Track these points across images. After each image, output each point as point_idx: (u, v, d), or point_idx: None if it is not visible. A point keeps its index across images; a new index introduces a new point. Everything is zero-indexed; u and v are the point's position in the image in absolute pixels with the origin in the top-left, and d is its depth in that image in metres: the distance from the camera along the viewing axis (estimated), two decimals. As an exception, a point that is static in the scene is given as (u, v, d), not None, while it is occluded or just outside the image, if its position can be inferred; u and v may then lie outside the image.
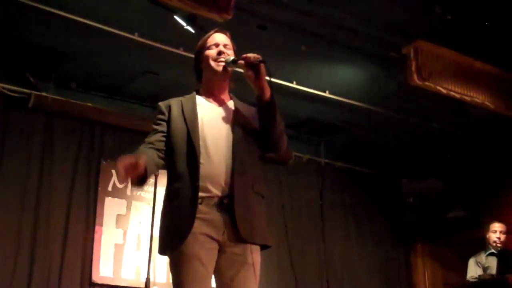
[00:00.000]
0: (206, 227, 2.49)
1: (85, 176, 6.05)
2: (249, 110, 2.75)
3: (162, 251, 2.62)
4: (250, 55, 2.56)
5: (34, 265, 5.51)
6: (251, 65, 2.54)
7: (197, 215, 2.48)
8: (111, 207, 6.11)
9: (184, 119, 2.63)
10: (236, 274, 2.54)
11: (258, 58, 2.55)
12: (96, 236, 5.92)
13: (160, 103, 2.74)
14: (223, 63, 2.67)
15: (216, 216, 2.52)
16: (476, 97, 5.51)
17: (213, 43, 2.72)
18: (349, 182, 7.93)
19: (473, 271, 5.80)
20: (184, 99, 2.73)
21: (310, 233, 7.29)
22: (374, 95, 6.17)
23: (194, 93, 2.77)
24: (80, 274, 5.75)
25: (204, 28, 4.82)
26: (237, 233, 2.51)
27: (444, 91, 5.32)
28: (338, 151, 7.69)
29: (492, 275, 5.51)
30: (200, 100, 2.72)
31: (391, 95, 6.13)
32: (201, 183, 2.50)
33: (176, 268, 2.50)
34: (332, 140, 7.35)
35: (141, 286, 5.34)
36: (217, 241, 2.51)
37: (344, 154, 7.71)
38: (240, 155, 2.59)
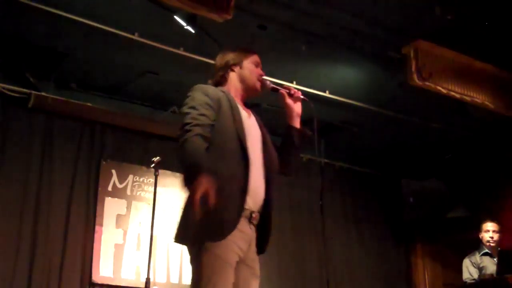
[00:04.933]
0: (240, 240, 2.56)
1: (85, 176, 6.05)
2: (266, 131, 2.87)
3: (194, 239, 2.54)
4: (292, 88, 2.89)
5: (34, 265, 5.50)
6: (293, 97, 2.88)
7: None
8: (111, 207, 6.11)
9: (234, 119, 2.66)
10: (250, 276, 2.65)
11: (300, 94, 2.90)
12: (96, 236, 5.91)
13: (207, 87, 2.70)
14: (260, 84, 2.88)
15: (250, 230, 2.61)
16: (476, 97, 5.52)
17: (256, 61, 2.90)
18: (349, 182, 7.93)
19: (469, 271, 5.79)
20: (223, 94, 2.72)
21: (310, 233, 7.29)
22: (374, 95, 6.17)
23: (225, 91, 2.77)
24: (80, 274, 5.75)
25: (204, 28, 4.86)
26: (259, 248, 2.66)
27: (444, 91, 5.32)
28: (338, 151, 7.69)
29: (492, 275, 5.50)
30: (237, 102, 2.78)
31: (391, 95, 6.13)
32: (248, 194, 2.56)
33: (210, 269, 2.49)
34: (332, 140, 7.34)
35: (141, 286, 5.34)
36: (241, 255, 2.59)
37: (344, 154, 7.71)
38: (271, 172, 2.72)
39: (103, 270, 5.87)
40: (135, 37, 5.03)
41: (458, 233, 7.45)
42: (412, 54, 5.14)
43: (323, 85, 6.00)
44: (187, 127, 2.50)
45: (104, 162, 6.18)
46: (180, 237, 2.59)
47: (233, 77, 2.85)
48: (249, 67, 2.86)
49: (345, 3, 4.77)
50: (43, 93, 5.77)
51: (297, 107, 2.92)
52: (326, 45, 5.33)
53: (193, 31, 4.82)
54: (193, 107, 2.58)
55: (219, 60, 2.91)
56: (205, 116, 2.56)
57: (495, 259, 5.63)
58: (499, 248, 5.67)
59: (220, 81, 2.85)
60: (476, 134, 6.98)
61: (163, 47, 5.17)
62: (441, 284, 8.02)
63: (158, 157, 5.17)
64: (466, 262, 5.85)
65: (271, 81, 2.96)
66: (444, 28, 5.05)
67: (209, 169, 2.39)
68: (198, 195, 2.30)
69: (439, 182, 7.46)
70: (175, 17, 4.73)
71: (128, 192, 6.27)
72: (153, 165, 5.17)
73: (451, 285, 7.52)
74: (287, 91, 2.92)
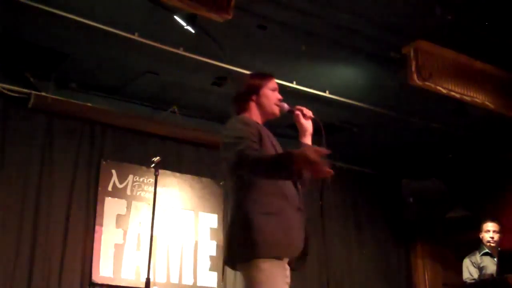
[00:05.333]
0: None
1: (85, 176, 6.06)
2: None
3: (272, 254, 2.66)
4: (304, 108, 3.07)
5: (34, 265, 5.51)
6: (306, 117, 3.06)
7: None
8: (111, 207, 6.11)
9: (274, 148, 2.88)
10: None
11: (311, 113, 3.08)
12: (96, 236, 5.92)
13: (248, 120, 2.86)
14: (278, 108, 3.04)
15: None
16: (476, 97, 5.51)
17: (273, 86, 3.05)
18: (349, 182, 7.93)
19: (469, 271, 5.79)
20: (255, 123, 2.90)
21: (310, 231, 7.28)
22: (374, 95, 6.17)
23: (255, 119, 2.96)
24: (80, 274, 5.76)
25: (205, 28, 4.86)
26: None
27: (444, 91, 5.32)
28: (338, 151, 7.68)
29: (492, 275, 5.50)
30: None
31: (391, 95, 6.13)
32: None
33: (271, 281, 2.63)
34: (332, 140, 7.33)
35: (141, 286, 5.34)
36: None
37: (344, 154, 7.70)
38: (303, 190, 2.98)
39: (103, 270, 5.87)
40: (135, 37, 5.03)
41: (458, 233, 7.45)
42: (412, 54, 5.14)
43: (323, 85, 6.00)
44: (244, 152, 2.64)
45: (104, 162, 6.18)
46: (241, 255, 2.68)
47: (252, 105, 3.00)
48: (267, 94, 3.02)
49: (345, 3, 4.77)
50: (43, 93, 5.77)
51: (309, 126, 3.10)
52: (326, 45, 5.33)
53: (193, 31, 4.82)
54: (240, 137, 2.71)
55: (239, 88, 3.09)
56: (254, 143, 2.72)
57: (495, 259, 5.62)
58: (499, 248, 5.66)
59: (241, 110, 3.00)
60: (476, 134, 6.98)
61: (163, 47, 5.16)
62: (441, 284, 8.01)
63: (158, 157, 5.17)
64: (466, 262, 5.84)
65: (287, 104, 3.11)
66: (444, 28, 5.05)
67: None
68: (313, 157, 2.47)
69: (439, 182, 7.46)
70: (175, 17, 4.73)
71: (128, 192, 6.27)
72: (153, 165, 5.16)
73: (451, 285, 7.51)
74: (301, 111, 3.08)
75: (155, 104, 6.53)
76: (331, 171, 2.55)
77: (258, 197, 2.72)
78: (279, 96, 3.05)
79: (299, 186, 2.91)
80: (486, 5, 4.77)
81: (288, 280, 2.81)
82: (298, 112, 3.07)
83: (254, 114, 2.98)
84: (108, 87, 6.19)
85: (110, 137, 6.29)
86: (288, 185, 2.81)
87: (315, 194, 7.79)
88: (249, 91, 3.01)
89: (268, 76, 3.09)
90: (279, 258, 2.66)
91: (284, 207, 2.74)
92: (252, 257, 2.62)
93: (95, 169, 6.13)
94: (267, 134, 2.89)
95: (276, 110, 3.03)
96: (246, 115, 2.96)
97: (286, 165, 2.55)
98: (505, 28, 5.06)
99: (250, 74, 3.18)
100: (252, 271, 2.62)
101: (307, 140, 3.11)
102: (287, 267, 2.80)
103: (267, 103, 3.01)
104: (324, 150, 2.53)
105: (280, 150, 2.90)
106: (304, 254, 2.86)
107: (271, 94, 3.03)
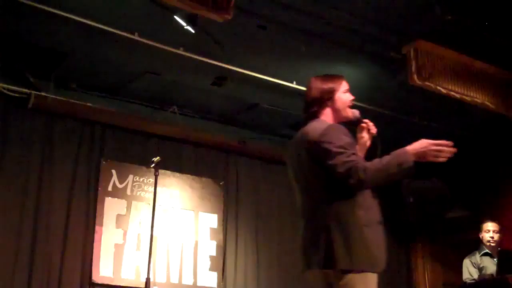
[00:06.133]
0: None
1: (85, 176, 6.06)
2: None
3: (378, 266, 2.73)
4: (371, 124, 3.07)
5: (34, 265, 5.52)
6: (369, 132, 3.08)
7: None
8: (111, 207, 6.12)
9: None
10: None
11: (375, 131, 3.08)
12: (96, 236, 5.92)
13: (343, 129, 2.83)
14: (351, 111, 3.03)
15: None
16: (476, 97, 5.51)
17: (345, 88, 3.01)
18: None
19: (469, 271, 5.78)
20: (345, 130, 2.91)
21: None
22: (374, 95, 6.16)
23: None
24: (80, 274, 5.77)
25: (205, 28, 4.86)
26: None
27: (444, 91, 5.32)
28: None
29: (492, 275, 5.49)
30: None
31: (391, 95, 6.13)
32: None
33: None
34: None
35: (141, 286, 5.34)
36: None
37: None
38: None
39: (103, 270, 5.88)
40: (135, 37, 5.02)
41: (458, 233, 7.45)
42: (412, 54, 5.14)
43: (323, 85, 5.99)
44: (352, 165, 2.66)
45: (104, 162, 6.18)
46: (342, 262, 2.67)
47: (327, 110, 2.96)
48: (341, 97, 2.98)
49: (345, 3, 4.77)
50: (43, 93, 5.77)
51: (368, 142, 3.09)
52: (326, 45, 5.33)
53: (193, 31, 4.82)
54: (344, 147, 2.72)
55: (311, 93, 3.00)
56: (355, 155, 2.74)
57: (495, 259, 5.62)
58: (499, 248, 5.66)
59: (315, 115, 2.95)
60: (476, 134, 6.98)
61: (163, 47, 5.16)
62: (441, 284, 8.01)
63: (158, 157, 5.18)
64: (466, 262, 5.83)
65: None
66: (444, 28, 5.05)
67: None
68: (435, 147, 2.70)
69: (439, 182, 7.45)
70: (175, 17, 4.73)
71: (128, 192, 6.27)
72: (153, 165, 5.17)
73: (451, 285, 7.50)
74: (367, 125, 3.08)
75: (155, 104, 6.53)
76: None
77: (354, 209, 2.72)
78: (352, 97, 3.03)
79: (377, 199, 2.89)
80: (486, 5, 4.77)
81: None
82: (364, 125, 3.07)
83: (329, 119, 2.95)
84: (108, 87, 6.19)
85: (110, 137, 6.29)
86: (370, 198, 2.81)
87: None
88: (324, 96, 2.96)
89: (340, 78, 3.05)
90: (377, 271, 2.71)
91: (374, 220, 2.77)
92: (357, 270, 2.65)
93: (95, 169, 6.14)
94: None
95: (350, 113, 3.01)
96: (319, 119, 2.92)
97: (408, 165, 2.68)
98: (505, 28, 5.06)
99: (320, 77, 3.06)
100: (354, 283, 2.64)
101: (361, 153, 3.06)
102: None
103: (342, 107, 2.98)
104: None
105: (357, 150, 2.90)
106: None
107: (345, 97, 2.99)
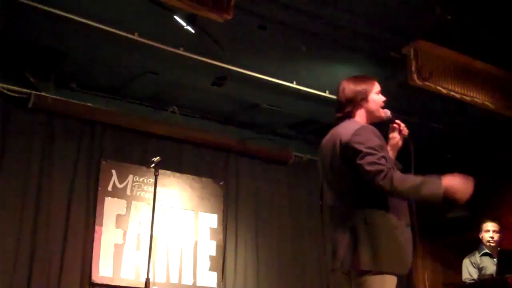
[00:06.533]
0: None
1: (85, 176, 6.06)
2: None
3: (402, 269, 2.79)
4: (403, 125, 3.15)
5: (34, 265, 5.51)
6: (400, 133, 3.15)
7: None
8: (111, 207, 6.11)
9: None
10: None
11: (407, 132, 3.15)
12: (96, 236, 5.92)
13: (375, 129, 2.91)
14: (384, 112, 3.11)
15: None
16: (476, 97, 5.51)
17: (378, 90, 3.09)
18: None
19: (468, 271, 5.77)
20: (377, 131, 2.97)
21: (310, 232, 7.29)
22: (374, 95, 6.16)
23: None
24: (80, 274, 5.76)
25: (205, 28, 4.86)
26: None
27: (444, 91, 5.31)
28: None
29: (491, 275, 5.48)
30: None
31: (391, 95, 6.06)
32: None
33: None
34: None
35: (140, 286, 5.35)
36: None
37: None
38: None
39: (102, 270, 5.87)
40: (135, 37, 5.03)
41: (458, 233, 7.44)
42: (412, 54, 5.13)
43: (323, 85, 5.99)
44: (381, 168, 2.70)
45: (104, 162, 6.18)
46: (364, 263, 2.73)
47: (361, 111, 3.04)
48: (374, 99, 3.06)
49: (345, 3, 4.77)
50: (43, 93, 5.78)
51: (399, 142, 3.16)
52: (326, 45, 5.33)
53: (193, 31, 4.82)
54: (375, 149, 2.77)
55: (345, 94, 3.06)
56: (385, 158, 2.78)
57: (495, 259, 5.61)
58: (499, 248, 5.65)
59: (348, 115, 3.03)
60: (476, 134, 6.97)
61: (163, 47, 5.16)
62: (441, 284, 8.01)
63: (158, 157, 5.17)
64: (466, 262, 5.82)
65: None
66: (444, 28, 5.05)
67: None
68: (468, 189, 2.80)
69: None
70: (175, 17, 4.73)
71: (128, 192, 6.27)
72: (153, 165, 5.16)
73: (451, 285, 7.51)
74: (399, 126, 3.16)
75: (155, 104, 6.53)
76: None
77: (384, 211, 2.78)
78: (384, 98, 3.10)
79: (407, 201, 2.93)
80: (486, 5, 4.76)
81: None
82: (395, 126, 3.16)
83: (361, 119, 3.03)
84: (108, 87, 6.19)
85: (110, 137, 6.29)
86: (400, 201, 2.85)
87: (315, 194, 7.80)
88: (357, 97, 3.03)
89: (372, 80, 3.12)
90: (398, 274, 2.75)
91: (402, 223, 2.82)
92: (376, 271, 2.70)
93: (95, 169, 6.13)
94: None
95: (383, 114, 3.09)
96: (352, 119, 3.00)
97: (436, 198, 2.71)
98: (505, 28, 5.06)
99: (352, 79, 3.13)
100: (370, 284, 2.70)
101: (392, 154, 3.13)
102: None
103: (375, 107, 3.06)
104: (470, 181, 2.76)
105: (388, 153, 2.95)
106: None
107: (377, 98, 3.07)
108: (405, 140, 3.17)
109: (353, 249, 2.74)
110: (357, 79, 3.12)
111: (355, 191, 2.82)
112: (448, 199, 2.74)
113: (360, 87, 3.05)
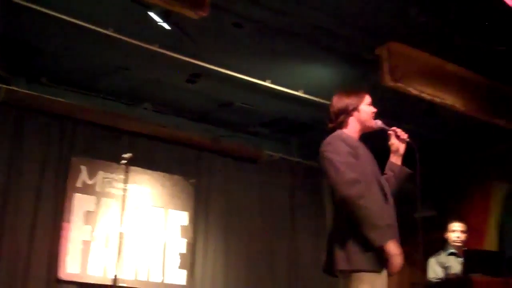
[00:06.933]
0: None
1: (54, 172, 5.99)
2: None
3: (375, 267, 2.85)
4: (399, 130, 3.26)
5: (0, 261, 5.42)
6: (399, 139, 3.27)
7: None
8: (79, 203, 6.05)
9: (370, 163, 3.08)
10: None
11: (406, 136, 3.26)
12: (63, 232, 5.85)
13: (346, 138, 3.07)
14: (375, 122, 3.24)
15: None
16: (446, 98, 5.58)
17: (369, 101, 3.25)
18: (321, 181, 7.95)
19: (434, 271, 5.84)
20: (352, 140, 3.12)
21: (280, 231, 7.32)
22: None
23: (352, 136, 3.16)
24: (47, 270, 5.70)
25: (179, 24, 4.83)
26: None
27: (415, 92, 5.37)
28: (310, 150, 7.72)
29: (456, 274, 5.56)
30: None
31: (364, 95, 6.16)
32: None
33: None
34: (304, 139, 7.38)
35: (108, 283, 5.31)
36: None
37: (316, 153, 7.73)
38: (393, 202, 3.12)
39: (70, 267, 5.81)
40: (110, 32, 4.98)
41: (424, 233, 7.53)
42: (385, 55, 5.18)
43: (297, 84, 6.02)
44: (347, 181, 2.85)
45: (73, 158, 6.10)
46: (354, 264, 2.86)
47: (352, 120, 3.21)
48: (365, 109, 3.22)
49: (320, 3, 4.79)
50: (14, 88, 5.69)
51: (401, 148, 3.30)
52: (301, 44, 5.35)
53: (168, 28, 4.79)
54: (342, 163, 2.93)
55: (337, 104, 3.24)
56: (350, 165, 2.92)
57: (460, 259, 5.69)
58: (465, 248, 5.74)
59: (340, 125, 3.20)
60: (444, 135, 7.08)
61: (138, 43, 5.12)
62: (408, 283, 8.10)
63: (129, 154, 5.13)
64: (431, 261, 5.88)
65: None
66: (417, 30, 5.10)
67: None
68: (399, 262, 2.80)
69: (409, 183, 7.54)
70: (149, 13, 4.69)
71: (98, 189, 6.21)
72: (124, 161, 5.12)
73: (419, 284, 7.60)
74: (395, 132, 3.28)
75: (128, 100, 6.48)
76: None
77: None
78: (374, 109, 3.25)
79: (391, 201, 3.08)
80: (459, 8, 4.83)
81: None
82: (391, 132, 3.28)
83: (353, 129, 3.19)
84: (80, 83, 6.13)
85: (81, 133, 6.23)
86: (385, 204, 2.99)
87: (286, 192, 7.79)
88: (349, 108, 3.20)
89: (363, 92, 3.29)
90: (378, 271, 2.84)
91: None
92: (351, 270, 2.85)
93: (65, 165, 6.06)
94: (364, 151, 3.09)
95: (373, 123, 3.24)
96: (344, 130, 3.16)
97: (376, 243, 2.78)
98: (476, 31, 5.14)
99: (344, 91, 3.30)
100: (353, 282, 2.85)
101: (397, 160, 3.30)
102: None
103: (366, 118, 3.22)
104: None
105: (375, 165, 3.09)
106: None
107: (369, 110, 3.23)
108: (408, 144, 3.30)
109: (332, 253, 2.92)
110: (348, 91, 3.30)
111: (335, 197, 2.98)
112: (380, 253, 2.81)
113: (352, 98, 3.23)
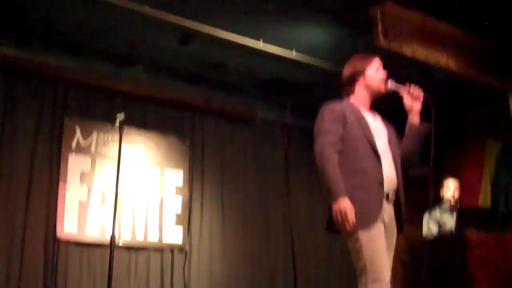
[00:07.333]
0: (385, 214, 3.09)
1: (48, 134, 5.98)
2: (390, 127, 3.33)
3: (361, 224, 2.98)
4: (414, 88, 3.23)
5: (-3, 222, 5.47)
6: (413, 96, 3.23)
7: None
8: (75, 164, 6.06)
9: (360, 125, 3.13)
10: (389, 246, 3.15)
11: (421, 95, 3.23)
12: (60, 192, 5.88)
13: (333, 106, 3.16)
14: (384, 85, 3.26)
15: (389, 207, 3.15)
16: (440, 59, 5.56)
17: (376, 65, 3.26)
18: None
19: (428, 226, 5.92)
20: (348, 105, 3.19)
21: (275, 189, 7.38)
22: (341, 56, 6.11)
23: (351, 101, 3.24)
24: (45, 230, 5.73)
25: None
26: (398, 227, 3.22)
27: (409, 53, 5.34)
28: (304, 111, 7.71)
29: (451, 231, 5.63)
30: (362, 110, 3.22)
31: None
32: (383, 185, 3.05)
33: (369, 244, 2.97)
34: (298, 99, 7.37)
35: (106, 243, 5.37)
36: (384, 224, 3.09)
37: (309, 113, 7.72)
38: (398, 163, 3.18)
39: (67, 227, 5.86)
40: (99, -7, 4.91)
41: (420, 190, 7.60)
42: (379, 16, 5.12)
43: (290, 44, 5.98)
44: (320, 145, 3.06)
45: (67, 119, 6.09)
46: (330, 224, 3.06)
47: (358, 87, 3.25)
48: (372, 74, 3.23)
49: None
50: (3, 49, 5.62)
51: (416, 106, 3.26)
52: (294, 4, 5.29)
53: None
54: (323, 123, 3.10)
55: (345, 73, 3.30)
56: (332, 131, 3.06)
57: (454, 215, 5.75)
58: (458, 205, 5.80)
59: (349, 92, 3.27)
60: (439, 96, 7.06)
61: (128, 4, 5.06)
62: (403, 237, 8.21)
63: (122, 113, 5.12)
64: (426, 217, 5.96)
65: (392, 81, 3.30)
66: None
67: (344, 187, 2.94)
68: (344, 218, 2.87)
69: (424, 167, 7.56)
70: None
71: (93, 149, 6.22)
72: (118, 121, 5.11)
73: (412, 238, 7.72)
74: (408, 90, 3.24)
75: (120, 62, 6.43)
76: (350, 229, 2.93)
77: (349, 173, 3.03)
78: (384, 75, 3.24)
79: (388, 158, 3.13)
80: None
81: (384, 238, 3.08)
82: (403, 91, 3.24)
83: (360, 95, 3.23)
84: (71, 44, 6.05)
85: (73, 94, 6.18)
86: (367, 160, 3.07)
87: (280, 152, 7.79)
88: (355, 74, 3.24)
89: (371, 56, 3.28)
90: (362, 228, 2.96)
91: (368, 183, 3.03)
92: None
93: (58, 126, 6.05)
94: (355, 115, 3.13)
95: (382, 88, 3.23)
96: (352, 97, 3.22)
97: (332, 196, 2.92)
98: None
99: (353, 58, 3.32)
100: (348, 240, 3.02)
101: (415, 120, 3.27)
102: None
103: (372, 83, 3.22)
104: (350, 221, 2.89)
105: (367, 126, 3.13)
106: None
107: (375, 74, 3.23)
108: (425, 100, 3.25)
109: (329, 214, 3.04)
110: (356, 57, 3.32)
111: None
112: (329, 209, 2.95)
113: (357, 64, 3.26)
